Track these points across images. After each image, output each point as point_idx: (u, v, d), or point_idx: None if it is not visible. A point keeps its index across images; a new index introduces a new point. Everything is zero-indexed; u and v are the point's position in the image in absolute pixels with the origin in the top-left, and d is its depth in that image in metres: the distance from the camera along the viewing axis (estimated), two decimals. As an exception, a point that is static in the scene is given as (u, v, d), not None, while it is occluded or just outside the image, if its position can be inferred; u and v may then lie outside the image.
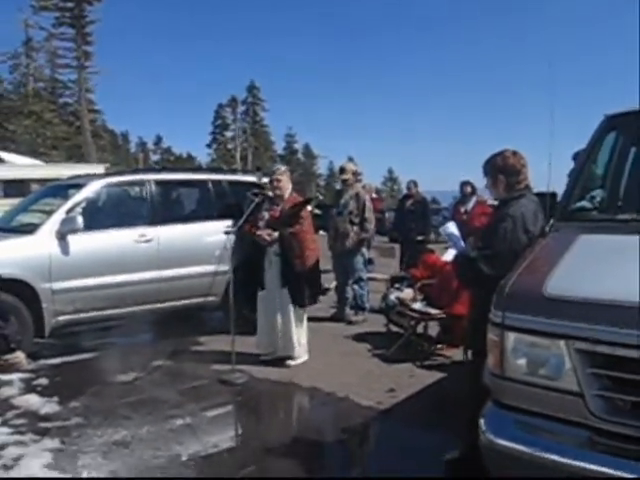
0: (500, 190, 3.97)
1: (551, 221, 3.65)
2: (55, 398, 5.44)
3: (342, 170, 9.01)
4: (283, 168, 6.77)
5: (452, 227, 4.27)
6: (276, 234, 6.34)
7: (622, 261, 2.93)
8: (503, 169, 3.93)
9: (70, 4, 48.21)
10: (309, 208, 6.81)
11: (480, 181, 4.33)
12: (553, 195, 3.85)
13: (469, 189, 10.75)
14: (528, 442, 2.69)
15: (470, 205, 10.58)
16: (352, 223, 8.53)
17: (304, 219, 6.40)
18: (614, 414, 2.54)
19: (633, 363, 2.47)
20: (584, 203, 3.80)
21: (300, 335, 6.48)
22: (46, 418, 5.01)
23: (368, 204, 8.70)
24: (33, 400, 5.42)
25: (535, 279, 2.92)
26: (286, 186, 6.53)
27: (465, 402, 3.90)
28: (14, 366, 6.23)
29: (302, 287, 6.38)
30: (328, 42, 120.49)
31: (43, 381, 5.97)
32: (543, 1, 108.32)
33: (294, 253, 6.30)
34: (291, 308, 6.37)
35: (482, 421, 2.89)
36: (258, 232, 6.39)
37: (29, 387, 5.79)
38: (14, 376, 6.02)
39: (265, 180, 7.71)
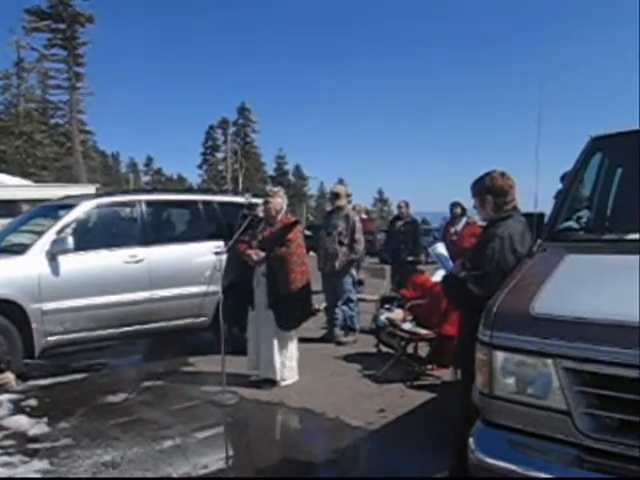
0: (488, 210, 4.01)
1: (538, 241, 3.68)
2: (44, 419, 5.42)
3: (337, 195, 8.90)
4: (275, 189, 6.76)
5: (441, 248, 4.31)
6: (263, 254, 6.34)
7: (608, 280, 2.97)
8: (491, 190, 3.97)
9: (62, 26, 48.32)
10: (299, 229, 6.76)
11: (470, 202, 4.38)
12: (541, 215, 3.88)
13: (459, 210, 10.80)
14: (517, 461, 2.70)
15: (460, 226, 10.63)
16: (341, 244, 8.53)
17: (291, 242, 6.36)
18: (602, 432, 2.55)
19: (620, 381, 2.49)
20: (571, 223, 3.85)
21: (285, 357, 6.42)
22: (35, 439, 4.99)
23: (358, 225, 8.71)
24: (22, 421, 5.39)
25: (522, 298, 2.94)
26: (277, 207, 6.51)
27: (455, 421, 3.91)
28: (3, 387, 6.21)
29: (285, 310, 6.30)
30: (318, 64, 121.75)
31: (32, 402, 5.94)
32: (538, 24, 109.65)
33: (278, 276, 6.29)
34: (274, 329, 6.32)
35: (471, 440, 2.89)
36: (248, 251, 6.39)
37: (18, 408, 5.75)
38: (3, 397, 5.99)
39: (254, 201, 7.74)
